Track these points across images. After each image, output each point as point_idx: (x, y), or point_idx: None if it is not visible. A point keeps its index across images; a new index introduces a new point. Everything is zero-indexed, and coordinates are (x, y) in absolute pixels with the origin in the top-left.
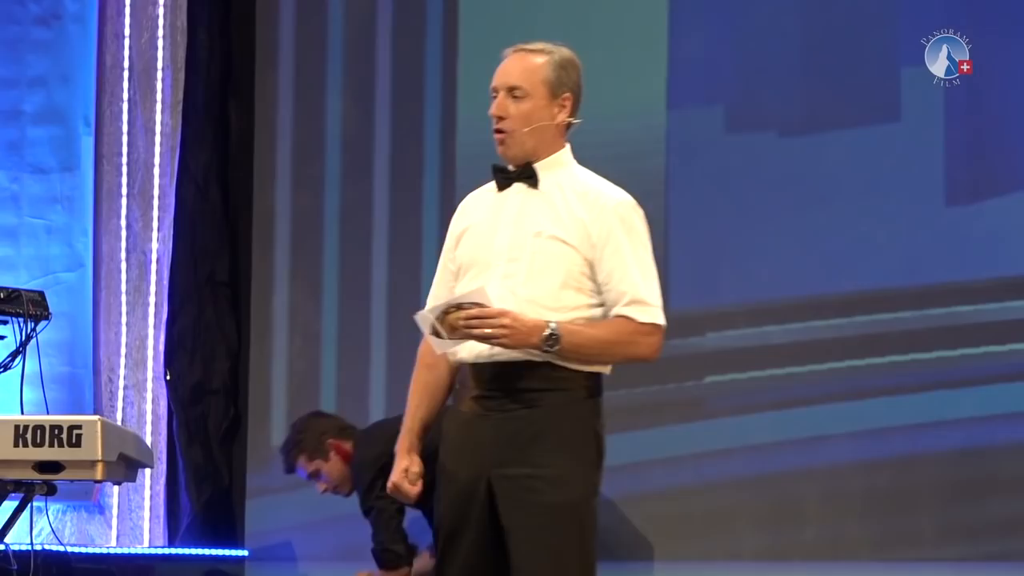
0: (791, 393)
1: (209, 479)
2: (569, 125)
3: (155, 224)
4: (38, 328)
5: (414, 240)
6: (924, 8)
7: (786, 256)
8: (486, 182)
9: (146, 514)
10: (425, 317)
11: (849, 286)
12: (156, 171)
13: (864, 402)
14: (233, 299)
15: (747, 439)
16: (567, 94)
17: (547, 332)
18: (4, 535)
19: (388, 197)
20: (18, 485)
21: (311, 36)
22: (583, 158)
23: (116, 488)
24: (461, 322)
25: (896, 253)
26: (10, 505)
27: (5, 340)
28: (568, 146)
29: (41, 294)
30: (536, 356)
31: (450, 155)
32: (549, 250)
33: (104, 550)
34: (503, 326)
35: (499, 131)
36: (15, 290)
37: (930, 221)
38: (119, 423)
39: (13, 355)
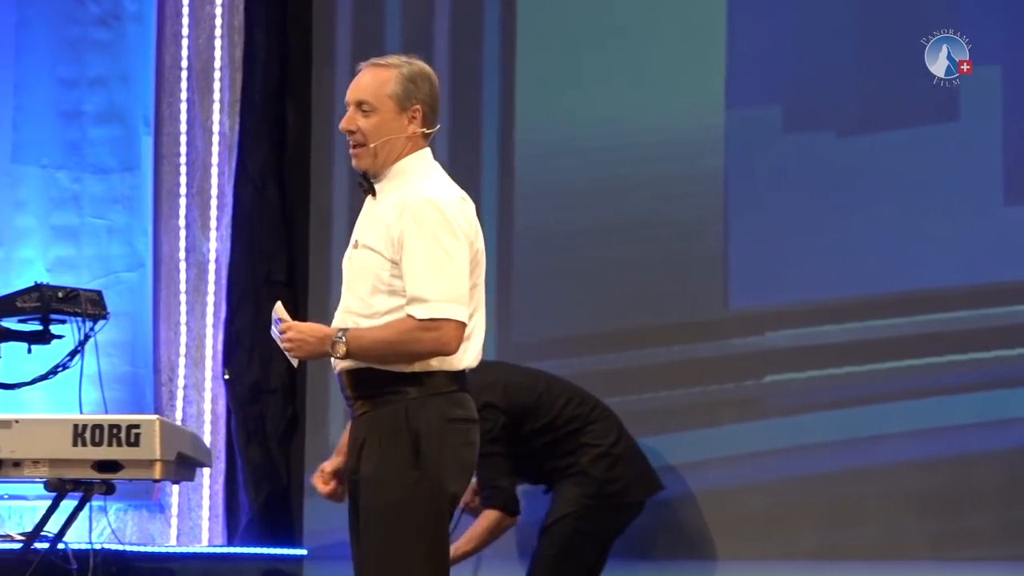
0: (850, 392)
1: (267, 478)
2: (427, 135)
3: (213, 224)
4: (96, 328)
5: None
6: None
7: (844, 255)
8: (545, 180)
9: (205, 513)
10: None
11: (907, 285)
12: (214, 171)
13: (922, 401)
14: (291, 298)
15: (805, 438)
16: (417, 106)
17: (332, 339)
18: (63, 534)
19: None
20: (77, 484)
21: (368, 35)
22: (642, 157)
23: (176, 487)
24: (274, 336)
25: (954, 252)
26: (69, 504)
27: (64, 340)
28: (424, 152)
29: (99, 293)
30: (357, 363)
31: (508, 154)
32: (362, 259)
33: (163, 549)
34: (289, 340)
35: (351, 145)
36: (73, 290)
37: (988, 220)
38: (178, 422)
39: (71, 355)
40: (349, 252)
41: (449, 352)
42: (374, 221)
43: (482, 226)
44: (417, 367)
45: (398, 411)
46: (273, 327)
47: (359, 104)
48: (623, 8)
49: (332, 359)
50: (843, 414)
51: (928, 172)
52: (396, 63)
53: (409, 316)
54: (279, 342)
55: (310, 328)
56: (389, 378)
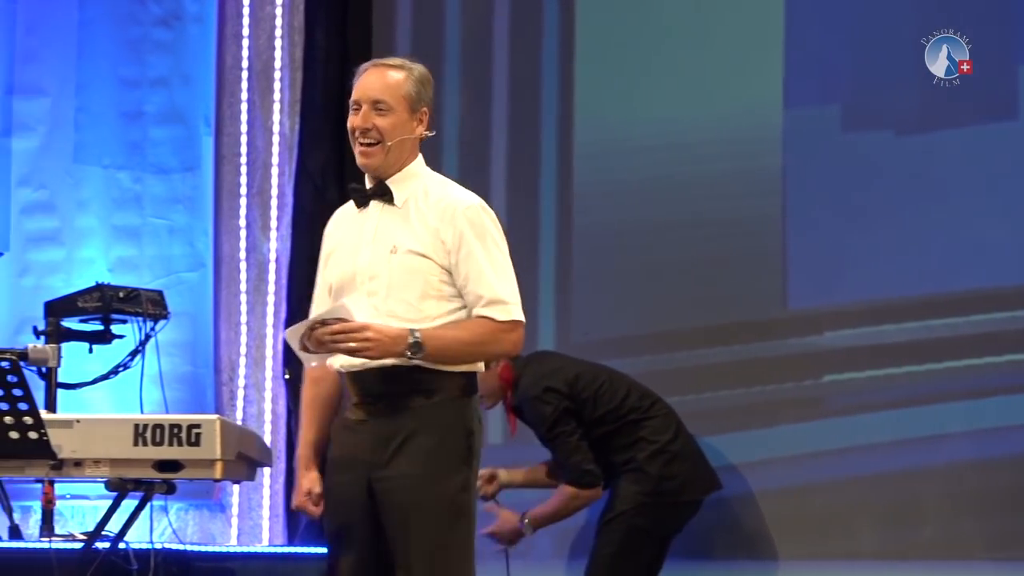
0: (909, 392)
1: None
2: (423, 138)
3: (273, 224)
4: (157, 327)
5: (531, 239)
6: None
7: (903, 255)
8: (603, 180)
9: (265, 513)
10: (293, 333)
11: (966, 284)
12: (274, 171)
13: (982, 401)
14: None
15: (865, 438)
16: (424, 108)
17: (411, 340)
18: (124, 534)
19: (505, 197)
20: (137, 484)
21: (427, 35)
22: (701, 156)
23: (236, 487)
24: (327, 337)
25: (1013, 251)
26: (130, 504)
27: (125, 340)
28: (420, 156)
29: (160, 294)
30: (405, 361)
31: (566, 155)
32: (406, 264)
33: (224, 549)
34: (366, 339)
35: (363, 143)
36: (134, 290)
37: None
38: (239, 422)
39: (132, 354)
40: (383, 255)
41: (517, 353)
42: (408, 225)
43: (541, 226)
44: (465, 368)
45: (452, 409)
46: (319, 327)
47: (375, 103)
48: (681, 8)
49: (309, 362)
50: (902, 414)
51: (986, 171)
52: (406, 65)
53: (486, 318)
54: (342, 343)
55: (385, 328)
56: (439, 376)
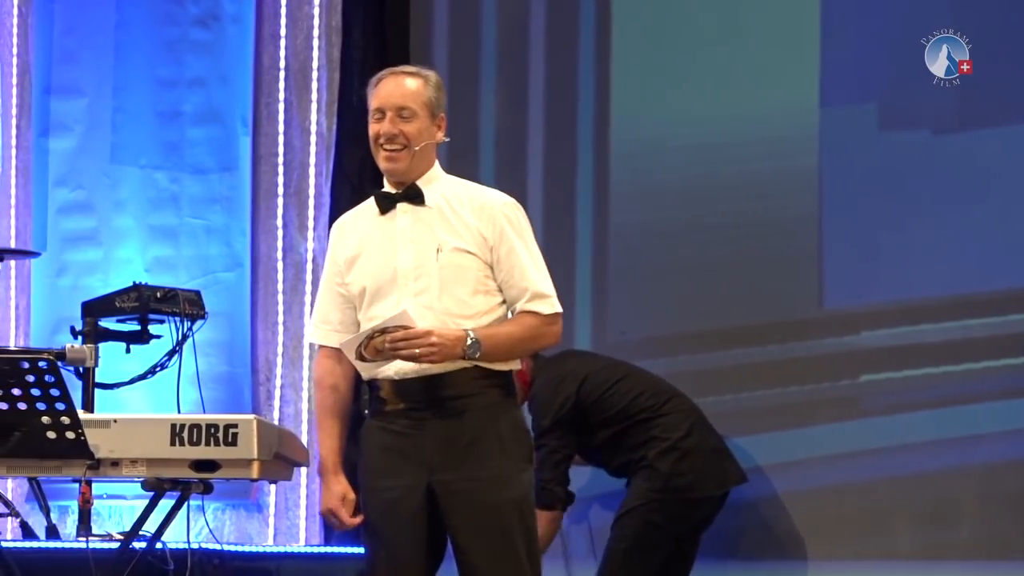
0: (946, 392)
1: None
2: (440, 143)
3: (310, 224)
4: (194, 327)
5: (568, 239)
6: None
7: (940, 254)
8: (639, 179)
9: (302, 512)
10: (350, 344)
11: (1004, 284)
12: (311, 171)
13: (1020, 400)
14: None
15: (902, 438)
16: (442, 115)
17: (469, 341)
18: (161, 534)
19: (542, 196)
20: (175, 484)
21: (465, 35)
22: (737, 156)
23: (273, 487)
24: (387, 345)
25: None
26: (167, 504)
27: (162, 340)
28: (437, 160)
29: (197, 293)
30: (457, 364)
31: (603, 154)
32: (454, 262)
33: (261, 548)
34: (431, 344)
35: (389, 149)
36: (172, 290)
37: None
38: (276, 422)
39: (170, 354)
40: (428, 255)
41: (556, 344)
42: (447, 224)
43: (578, 225)
44: (509, 367)
45: (507, 409)
46: (379, 336)
47: (399, 109)
48: (717, 7)
49: (367, 372)
50: (940, 413)
51: (1022, 170)
52: (421, 72)
53: (532, 313)
54: (404, 350)
55: (447, 331)
56: (490, 376)
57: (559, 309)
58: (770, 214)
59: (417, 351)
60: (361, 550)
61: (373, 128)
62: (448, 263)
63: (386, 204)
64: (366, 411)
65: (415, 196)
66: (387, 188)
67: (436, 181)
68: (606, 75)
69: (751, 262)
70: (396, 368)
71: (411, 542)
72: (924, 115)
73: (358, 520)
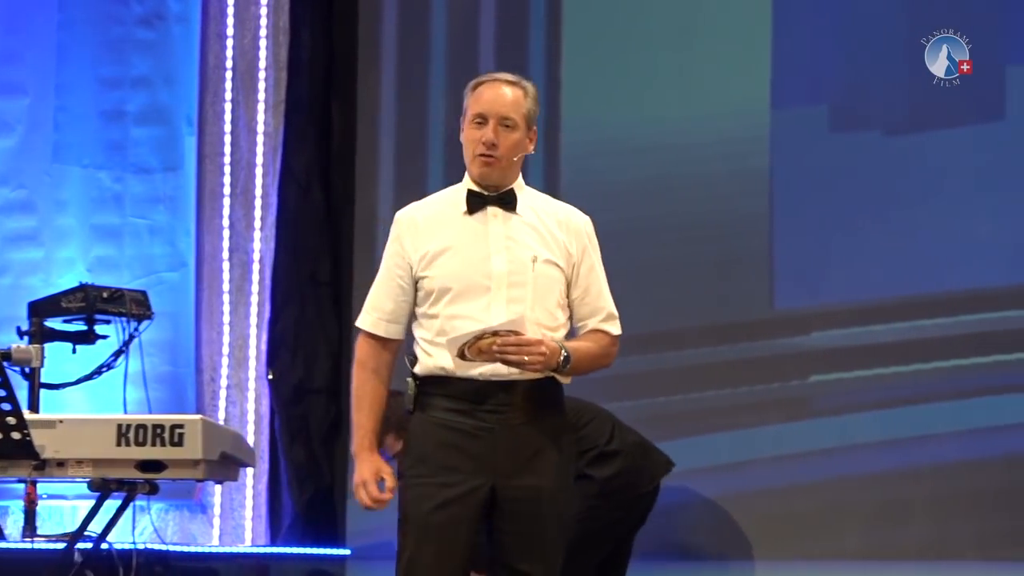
0: (896, 392)
1: (311, 478)
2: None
3: (257, 224)
4: (141, 328)
5: None
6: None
7: (891, 255)
8: (590, 180)
9: (248, 513)
10: (455, 341)
11: (954, 285)
12: (258, 171)
13: (969, 401)
14: (335, 299)
15: (852, 438)
16: (534, 127)
17: (563, 355)
18: (107, 534)
19: None
20: (120, 484)
21: (414, 36)
22: (688, 157)
23: (218, 487)
24: (496, 348)
25: (1001, 252)
26: (113, 504)
27: (108, 340)
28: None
29: (144, 294)
30: (539, 374)
31: (553, 155)
32: (547, 274)
33: (206, 549)
34: (540, 354)
35: (488, 155)
36: (118, 290)
37: None
38: (221, 422)
39: (116, 355)
40: (524, 263)
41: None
42: (538, 235)
43: None
44: (563, 379)
45: (566, 424)
46: (489, 337)
47: (503, 119)
48: (668, 8)
49: (463, 369)
50: (889, 414)
51: (974, 171)
52: (521, 82)
53: (605, 332)
54: (513, 355)
55: (552, 343)
56: (557, 391)
57: (620, 331)
58: (721, 215)
59: (526, 358)
60: (308, 551)
61: (472, 133)
62: (542, 273)
63: (476, 205)
64: (409, 407)
65: (508, 202)
66: (476, 188)
67: (523, 191)
68: (556, 76)
69: (702, 263)
70: (482, 369)
71: (464, 538)
72: (875, 116)
73: (387, 497)
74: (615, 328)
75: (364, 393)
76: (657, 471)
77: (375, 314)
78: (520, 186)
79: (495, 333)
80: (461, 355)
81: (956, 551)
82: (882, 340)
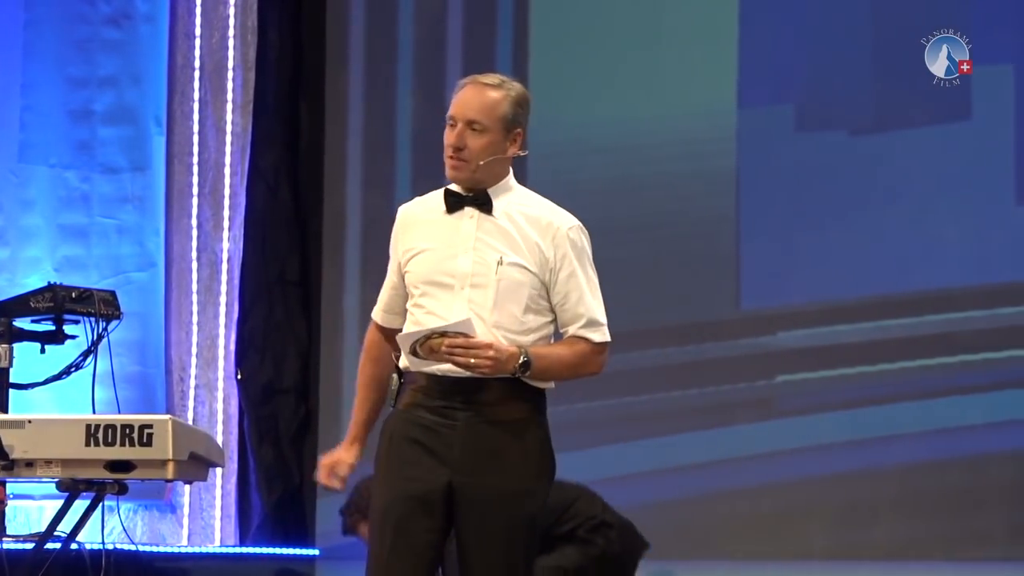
0: (861, 392)
1: (280, 478)
2: (515, 156)
3: (226, 224)
4: (109, 328)
5: None
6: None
7: (856, 255)
8: (556, 180)
9: (217, 513)
10: (407, 338)
11: (919, 285)
12: (227, 171)
13: (934, 401)
14: (304, 298)
15: (818, 438)
16: (519, 130)
17: (521, 360)
18: (76, 534)
19: None
20: (89, 484)
21: (382, 36)
22: (654, 157)
23: (187, 487)
24: (444, 348)
25: (966, 252)
26: (82, 504)
27: (77, 340)
28: (511, 172)
29: (112, 294)
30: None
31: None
32: (512, 277)
33: (175, 549)
34: (488, 357)
35: (453, 158)
36: (87, 290)
37: (1000, 220)
38: (190, 422)
39: (85, 355)
40: (489, 265)
41: (599, 374)
42: (509, 238)
43: None
44: (544, 385)
45: (536, 426)
46: (438, 338)
47: (470, 122)
48: (635, 9)
49: (416, 365)
50: (855, 414)
51: (939, 172)
52: (505, 84)
53: (584, 339)
54: (460, 357)
55: (504, 347)
56: (533, 392)
57: (608, 339)
58: (687, 215)
59: (472, 361)
60: (277, 551)
61: (446, 134)
62: (506, 276)
63: (454, 204)
64: (392, 402)
65: (484, 203)
66: (456, 188)
67: (507, 193)
68: (524, 76)
69: (668, 263)
70: (436, 368)
71: (424, 531)
72: (840, 116)
73: (336, 485)
74: (596, 335)
75: (362, 380)
76: (642, 544)
77: (379, 303)
78: (505, 187)
79: (443, 334)
80: (414, 352)
81: (922, 551)
82: (848, 340)
